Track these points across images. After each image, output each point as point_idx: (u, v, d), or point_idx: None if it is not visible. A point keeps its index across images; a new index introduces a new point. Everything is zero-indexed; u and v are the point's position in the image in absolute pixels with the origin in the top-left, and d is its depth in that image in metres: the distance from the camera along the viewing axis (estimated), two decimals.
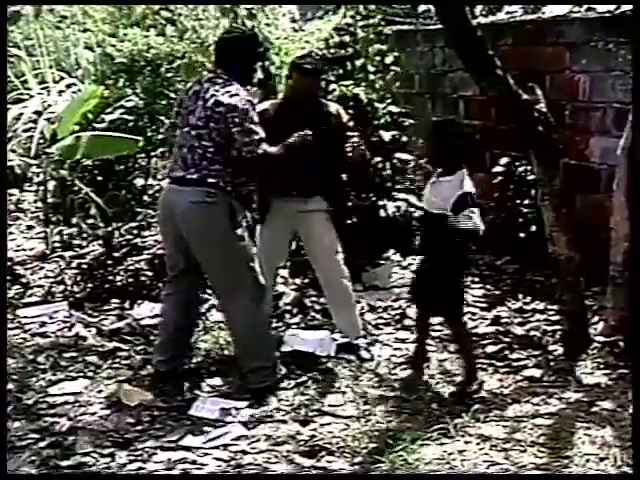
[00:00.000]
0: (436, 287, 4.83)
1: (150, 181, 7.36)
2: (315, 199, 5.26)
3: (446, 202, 4.62)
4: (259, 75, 5.22)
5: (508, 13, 7.71)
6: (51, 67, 7.94)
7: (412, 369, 5.08)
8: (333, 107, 5.38)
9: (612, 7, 6.19)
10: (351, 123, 5.40)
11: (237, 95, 4.60)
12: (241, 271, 4.75)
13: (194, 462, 4.05)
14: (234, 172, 4.66)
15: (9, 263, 6.79)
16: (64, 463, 4.03)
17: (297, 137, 4.90)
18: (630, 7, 5.55)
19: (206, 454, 4.12)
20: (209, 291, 5.79)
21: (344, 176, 5.90)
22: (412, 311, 6.04)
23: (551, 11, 7.05)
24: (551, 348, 5.33)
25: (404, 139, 6.96)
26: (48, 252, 7.17)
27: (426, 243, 5.06)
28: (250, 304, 4.76)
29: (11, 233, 7.92)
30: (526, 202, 6.52)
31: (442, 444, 4.11)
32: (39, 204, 7.90)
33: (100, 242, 6.79)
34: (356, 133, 5.32)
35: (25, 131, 7.35)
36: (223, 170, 4.63)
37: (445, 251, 4.71)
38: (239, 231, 4.72)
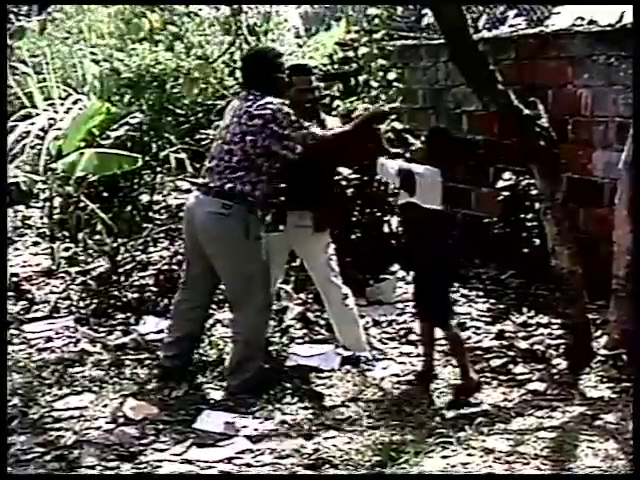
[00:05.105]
0: (425, 292, 4.97)
1: (155, 197, 7.40)
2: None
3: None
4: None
5: (511, 26, 7.75)
6: (57, 82, 7.97)
7: (418, 384, 5.09)
8: (322, 116, 5.36)
9: (614, 21, 6.23)
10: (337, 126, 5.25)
11: (270, 104, 4.74)
12: (250, 282, 4.86)
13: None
14: (257, 183, 4.81)
15: (15, 279, 6.83)
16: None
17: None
18: (631, 20, 5.57)
19: (210, 467, 4.13)
20: (213, 306, 5.82)
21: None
22: (417, 325, 6.07)
23: (554, 24, 7.08)
24: (555, 362, 5.33)
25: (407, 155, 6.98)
26: (54, 268, 7.20)
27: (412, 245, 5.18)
28: (254, 317, 4.91)
29: (17, 249, 7.96)
30: (529, 216, 6.54)
31: (445, 457, 4.12)
32: (45, 220, 7.94)
33: (106, 258, 6.82)
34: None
35: (32, 148, 7.38)
36: (246, 180, 4.78)
37: (430, 252, 4.83)
38: (254, 243, 4.85)
